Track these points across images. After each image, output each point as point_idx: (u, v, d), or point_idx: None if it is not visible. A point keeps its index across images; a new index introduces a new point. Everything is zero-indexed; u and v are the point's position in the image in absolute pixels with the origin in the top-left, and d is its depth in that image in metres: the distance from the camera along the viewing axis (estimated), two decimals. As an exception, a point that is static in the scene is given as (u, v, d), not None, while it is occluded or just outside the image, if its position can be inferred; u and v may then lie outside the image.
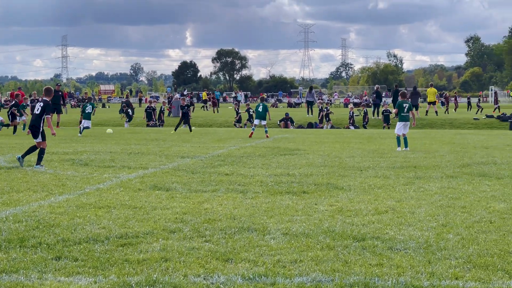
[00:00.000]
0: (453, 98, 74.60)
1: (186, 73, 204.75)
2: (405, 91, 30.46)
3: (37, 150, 19.66)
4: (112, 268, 8.51)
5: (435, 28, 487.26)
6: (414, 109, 53.63)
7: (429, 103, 59.50)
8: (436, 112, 57.68)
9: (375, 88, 62.66)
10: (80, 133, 36.10)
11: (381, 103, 56.75)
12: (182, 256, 9.04)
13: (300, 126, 51.39)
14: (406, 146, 25.97)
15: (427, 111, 57.80)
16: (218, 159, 21.85)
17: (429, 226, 11.09)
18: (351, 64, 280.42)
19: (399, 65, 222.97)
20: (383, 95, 75.74)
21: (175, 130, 40.60)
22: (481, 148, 27.00)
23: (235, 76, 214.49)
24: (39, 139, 19.62)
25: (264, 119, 35.86)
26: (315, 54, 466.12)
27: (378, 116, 54.70)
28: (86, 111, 38.36)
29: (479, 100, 73.52)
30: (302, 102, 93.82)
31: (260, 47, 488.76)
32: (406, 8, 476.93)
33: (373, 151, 25.46)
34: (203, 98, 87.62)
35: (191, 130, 40.24)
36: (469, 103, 76.50)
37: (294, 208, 12.84)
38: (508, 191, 14.93)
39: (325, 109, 54.09)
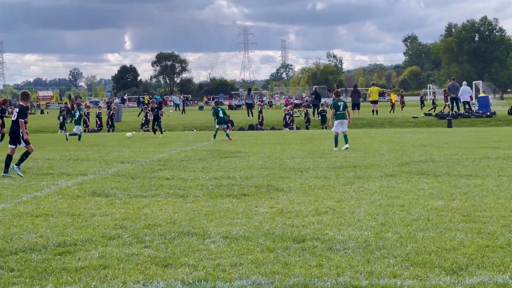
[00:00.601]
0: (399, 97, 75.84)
1: (126, 77, 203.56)
2: (339, 90, 30.81)
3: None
4: (49, 277, 8.39)
5: (373, 28, 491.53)
6: (356, 108, 54.51)
7: (372, 102, 59.72)
8: (377, 111, 58.06)
9: (314, 89, 62.90)
10: (71, 137, 36.62)
11: (321, 103, 57.02)
12: (121, 263, 8.96)
13: (241, 128, 51.42)
14: (346, 142, 26.28)
15: (373, 111, 58.08)
16: (158, 164, 21.75)
17: (368, 225, 11.16)
18: (291, 65, 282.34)
19: (339, 65, 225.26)
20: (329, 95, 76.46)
21: (162, 133, 40.47)
22: (420, 146, 27.30)
23: (175, 79, 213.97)
24: (23, 144, 19.34)
25: (226, 123, 36.01)
26: (255, 55, 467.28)
27: (318, 116, 54.89)
28: (76, 117, 38.22)
29: (434, 97, 74.74)
30: (243, 104, 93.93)
31: (200, 50, 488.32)
32: (344, 9, 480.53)
33: (313, 151, 25.58)
34: (145, 102, 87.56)
35: (162, 133, 40.22)
36: (422, 101, 77.80)
37: (234, 211, 12.82)
38: (446, 189, 15.11)
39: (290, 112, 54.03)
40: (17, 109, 19.62)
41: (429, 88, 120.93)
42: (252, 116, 58.81)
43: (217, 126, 35.50)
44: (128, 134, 39.78)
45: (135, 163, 22.35)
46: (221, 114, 35.11)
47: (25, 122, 19.46)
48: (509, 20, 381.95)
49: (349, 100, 69.59)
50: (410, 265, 8.62)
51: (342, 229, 10.86)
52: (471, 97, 57.79)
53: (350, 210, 12.61)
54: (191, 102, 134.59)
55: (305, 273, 8.36)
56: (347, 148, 25.87)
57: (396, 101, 72.26)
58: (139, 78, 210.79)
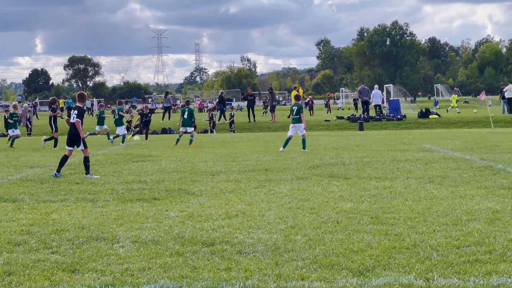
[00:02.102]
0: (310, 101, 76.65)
1: (37, 81, 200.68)
2: (299, 94, 30.36)
3: (81, 159, 19.61)
4: (-49, 285, 8.18)
5: (286, 32, 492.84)
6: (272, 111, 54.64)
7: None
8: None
9: (220, 93, 62.93)
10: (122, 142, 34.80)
11: (227, 108, 57.06)
12: (26, 269, 8.78)
13: (154, 132, 51.09)
14: (303, 147, 26.91)
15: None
16: (68, 168, 21.41)
17: (278, 228, 11.20)
18: (205, 69, 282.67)
19: (253, 69, 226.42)
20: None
21: (146, 138, 38.99)
22: (331, 149, 27.58)
23: (88, 83, 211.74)
24: (82, 147, 19.49)
25: (191, 126, 33.29)
26: (168, 59, 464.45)
27: (226, 120, 54.86)
28: (115, 117, 36.38)
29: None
30: (157, 107, 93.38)
31: (113, 54, 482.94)
32: (257, 13, 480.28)
33: (225, 155, 25.60)
34: (60, 106, 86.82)
35: (147, 138, 39.02)
36: (355, 104, 78.63)
37: (144, 215, 12.73)
38: (355, 191, 15.29)
39: (210, 115, 53.58)
40: (75, 111, 19.62)
41: (342, 92, 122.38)
42: (169, 119, 58.61)
43: (181, 129, 33.32)
44: (136, 137, 38.51)
45: (44, 167, 22.00)
46: (185, 116, 32.96)
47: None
48: (419, 25, 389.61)
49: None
50: (318, 267, 8.67)
51: (252, 232, 10.87)
52: (382, 100, 58.69)
53: (260, 213, 12.64)
54: (104, 105, 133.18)
55: (214, 276, 8.34)
56: (305, 151, 26.43)
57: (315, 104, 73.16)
58: (51, 82, 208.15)
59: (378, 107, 55.40)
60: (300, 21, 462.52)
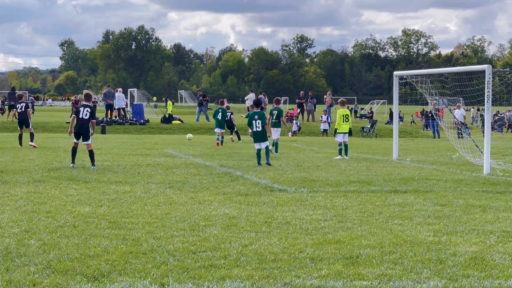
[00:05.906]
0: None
1: None
2: (279, 97, 30.61)
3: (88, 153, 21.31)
4: None
5: (27, 30, 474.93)
6: (13, 109, 52.84)
7: None
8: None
9: None
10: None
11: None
12: None
13: None
14: (276, 151, 27.75)
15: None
16: None
17: (11, 232, 10.78)
18: None
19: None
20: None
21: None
22: (69, 152, 27.01)
23: None
24: (89, 141, 21.29)
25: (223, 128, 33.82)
26: None
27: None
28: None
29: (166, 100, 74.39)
30: None
31: None
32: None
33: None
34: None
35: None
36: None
37: None
38: (95, 195, 15.06)
39: None
40: (88, 109, 21.23)
41: (83, 91, 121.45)
42: None
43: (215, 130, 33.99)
44: (189, 135, 36.90)
45: None
46: (219, 117, 33.71)
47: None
48: (164, 30, 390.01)
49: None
50: (51, 272, 8.40)
51: (-18, 237, 10.39)
52: (126, 104, 58.57)
53: (-7, 217, 12.13)
54: None
55: None
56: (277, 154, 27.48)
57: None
58: None
59: (122, 110, 55.14)
60: (43, 20, 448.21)
